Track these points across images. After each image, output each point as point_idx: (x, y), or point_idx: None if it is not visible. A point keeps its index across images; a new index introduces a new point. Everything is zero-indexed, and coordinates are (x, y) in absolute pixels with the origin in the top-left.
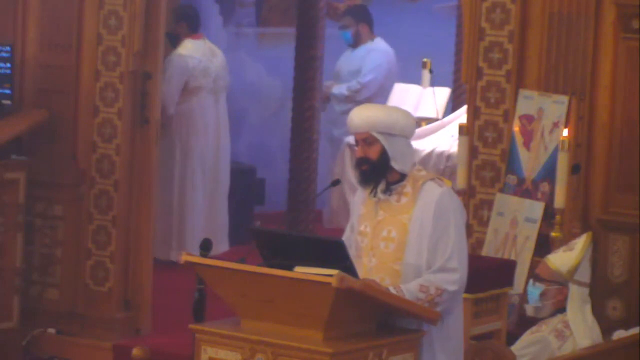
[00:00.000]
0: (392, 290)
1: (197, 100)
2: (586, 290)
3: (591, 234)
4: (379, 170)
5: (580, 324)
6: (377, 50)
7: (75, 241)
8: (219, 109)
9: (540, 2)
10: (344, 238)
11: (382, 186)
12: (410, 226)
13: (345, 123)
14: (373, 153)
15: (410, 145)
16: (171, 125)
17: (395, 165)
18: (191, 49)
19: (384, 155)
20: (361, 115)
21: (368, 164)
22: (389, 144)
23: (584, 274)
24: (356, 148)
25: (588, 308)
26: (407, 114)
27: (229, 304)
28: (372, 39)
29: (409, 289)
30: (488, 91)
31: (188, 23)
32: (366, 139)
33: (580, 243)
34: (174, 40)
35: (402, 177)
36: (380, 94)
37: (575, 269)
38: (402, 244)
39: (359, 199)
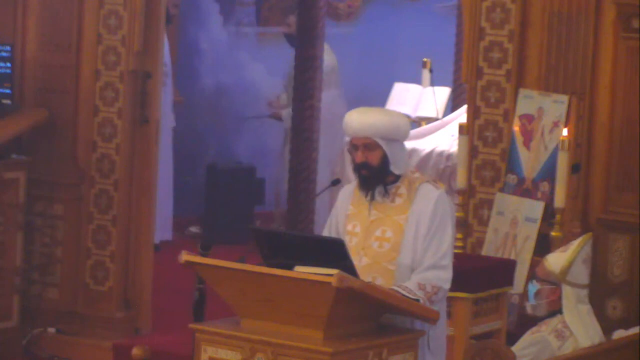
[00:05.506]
0: (399, 290)
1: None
2: (581, 292)
3: (589, 235)
4: (379, 175)
5: (578, 324)
6: None
7: (75, 241)
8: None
9: (540, 2)
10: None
11: (380, 189)
12: (406, 227)
13: None
14: (374, 158)
15: (405, 148)
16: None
17: (395, 169)
18: None
19: (384, 160)
20: (362, 120)
21: (368, 169)
22: (389, 149)
23: (578, 276)
24: (354, 152)
25: (583, 308)
26: (405, 117)
27: (229, 304)
28: None
29: (410, 289)
30: (488, 91)
31: None
32: (368, 144)
33: (575, 244)
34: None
35: (397, 178)
36: None
37: (567, 270)
38: (397, 244)
39: (345, 197)
